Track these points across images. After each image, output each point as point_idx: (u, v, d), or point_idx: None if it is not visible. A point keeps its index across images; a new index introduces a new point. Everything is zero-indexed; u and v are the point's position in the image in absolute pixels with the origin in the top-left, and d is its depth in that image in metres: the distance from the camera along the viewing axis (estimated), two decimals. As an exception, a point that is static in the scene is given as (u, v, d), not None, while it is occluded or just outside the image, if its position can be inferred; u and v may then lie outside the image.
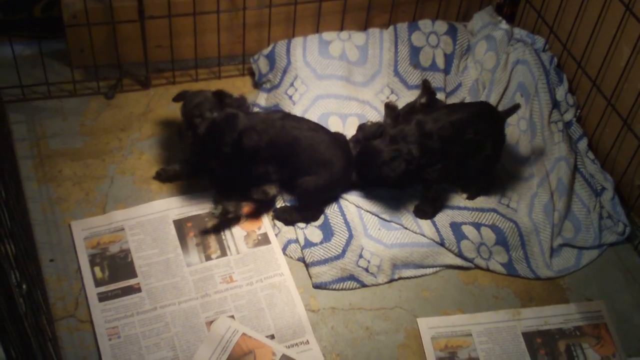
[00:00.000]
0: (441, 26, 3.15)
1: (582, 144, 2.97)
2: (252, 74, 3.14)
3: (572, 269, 2.69)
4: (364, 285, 2.55)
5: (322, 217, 2.65)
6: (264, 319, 2.40)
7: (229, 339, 2.31)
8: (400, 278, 2.58)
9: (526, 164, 2.89)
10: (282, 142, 2.59)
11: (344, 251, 2.56)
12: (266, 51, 3.07)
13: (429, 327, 2.46)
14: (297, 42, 3.06)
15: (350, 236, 2.59)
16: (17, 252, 1.95)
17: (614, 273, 2.70)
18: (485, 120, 2.67)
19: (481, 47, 3.12)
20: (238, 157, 2.54)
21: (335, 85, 2.98)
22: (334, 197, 2.70)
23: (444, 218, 2.71)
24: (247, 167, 2.58)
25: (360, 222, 2.64)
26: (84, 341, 2.31)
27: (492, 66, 3.07)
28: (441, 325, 2.47)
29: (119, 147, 2.82)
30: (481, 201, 2.79)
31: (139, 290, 2.43)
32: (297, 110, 2.88)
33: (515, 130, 2.95)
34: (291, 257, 2.59)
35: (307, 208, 2.65)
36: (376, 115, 2.95)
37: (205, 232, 2.59)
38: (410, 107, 2.88)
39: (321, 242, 2.58)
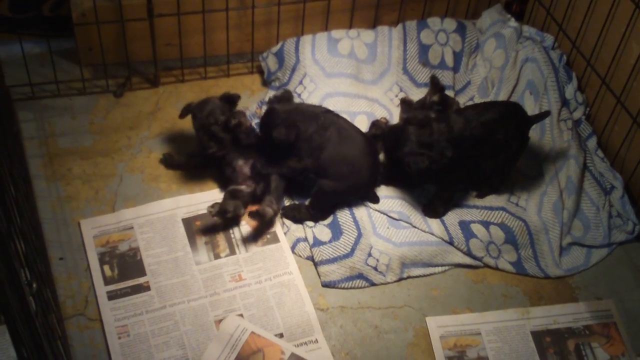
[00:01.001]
0: (450, 24, 3.14)
1: (592, 142, 2.96)
2: (261, 72, 3.14)
3: (582, 268, 2.69)
4: (372, 284, 2.55)
5: (331, 216, 2.65)
6: (273, 318, 2.40)
7: (238, 337, 2.32)
8: (409, 277, 2.58)
9: (535, 162, 2.88)
10: (317, 141, 2.59)
11: (352, 250, 2.56)
12: (275, 49, 3.07)
13: (438, 326, 2.46)
14: (306, 40, 3.05)
15: (359, 235, 2.59)
16: (27, 250, 1.95)
17: (623, 272, 2.69)
18: (515, 120, 2.65)
19: (490, 44, 3.12)
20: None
21: (343, 83, 2.98)
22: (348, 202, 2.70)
23: (452, 216, 2.70)
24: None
25: (369, 220, 2.64)
26: (93, 340, 2.31)
27: (501, 64, 3.06)
28: (450, 324, 2.47)
29: (128, 146, 2.82)
30: (490, 200, 2.78)
31: (148, 288, 2.43)
32: (305, 109, 2.88)
33: (525, 128, 2.95)
34: (300, 256, 2.59)
35: (319, 208, 2.64)
36: (385, 113, 2.95)
37: (214, 231, 2.59)
38: (422, 104, 2.87)
39: (330, 241, 2.58)
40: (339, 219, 2.63)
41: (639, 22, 2.73)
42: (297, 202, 2.69)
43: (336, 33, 3.08)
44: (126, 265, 2.48)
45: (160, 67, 3.03)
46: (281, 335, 2.37)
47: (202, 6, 2.88)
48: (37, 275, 1.98)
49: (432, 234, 2.63)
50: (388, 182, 2.74)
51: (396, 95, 3.02)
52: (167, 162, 2.75)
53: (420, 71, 3.06)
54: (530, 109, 2.92)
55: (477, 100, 3.06)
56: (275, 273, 2.51)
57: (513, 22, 3.17)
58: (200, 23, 2.94)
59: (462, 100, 3.08)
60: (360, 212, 2.65)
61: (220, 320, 2.37)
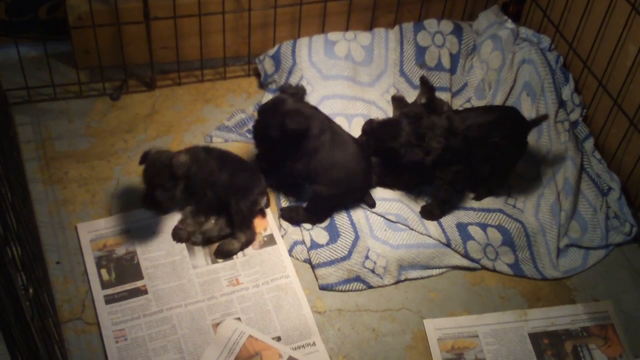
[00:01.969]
0: (447, 26, 3.14)
1: (589, 144, 2.96)
2: (257, 74, 3.14)
3: (579, 270, 2.69)
4: (370, 287, 2.54)
5: (328, 218, 2.65)
6: (271, 321, 2.40)
7: (235, 341, 2.31)
8: (406, 279, 2.58)
9: (532, 164, 2.88)
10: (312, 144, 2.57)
11: (350, 252, 2.56)
12: (272, 52, 3.07)
13: (436, 328, 2.45)
14: (303, 42, 3.05)
15: (357, 237, 2.59)
16: (24, 255, 1.95)
17: (621, 273, 2.69)
18: (512, 125, 2.65)
19: (487, 46, 3.12)
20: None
21: (340, 86, 2.98)
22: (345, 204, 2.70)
23: (450, 219, 2.70)
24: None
25: (367, 223, 2.63)
26: (90, 344, 2.31)
27: (498, 66, 3.06)
28: (448, 326, 2.46)
29: (125, 149, 2.82)
30: (487, 202, 2.78)
31: (145, 292, 2.43)
32: (302, 111, 2.88)
33: (522, 130, 2.95)
34: (297, 259, 2.59)
35: (315, 212, 2.64)
36: (382, 115, 2.95)
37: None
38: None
39: (327, 244, 2.58)
40: (336, 222, 2.63)
41: (636, 24, 2.73)
42: (294, 204, 2.69)
43: (333, 35, 3.08)
44: (123, 269, 2.48)
45: (157, 70, 3.03)
46: (279, 339, 2.37)
47: (199, 9, 2.87)
48: (34, 280, 1.97)
49: (430, 236, 2.63)
50: (383, 184, 2.74)
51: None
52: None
53: (417, 73, 3.06)
54: (527, 110, 2.92)
55: (474, 101, 3.07)
56: (273, 277, 2.51)
57: (510, 24, 3.17)
58: (196, 26, 2.94)
59: (459, 102, 3.08)
60: (358, 214, 2.65)
61: (218, 324, 2.36)
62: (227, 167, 2.55)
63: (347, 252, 2.56)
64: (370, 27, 3.19)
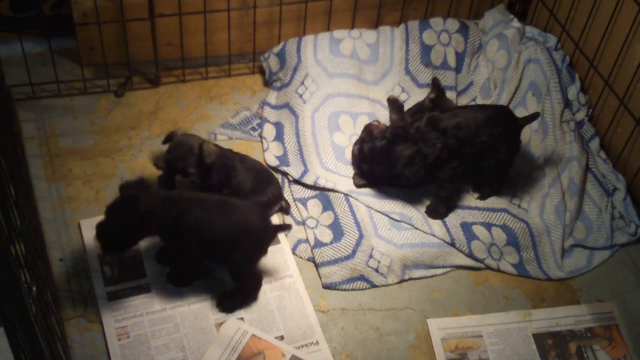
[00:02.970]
0: (452, 24, 3.13)
1: (594, 144, 2.95)
2: (262, 72, 3.13)
3: (584, 270, 2.68)
4: (374, 286, 2.54)
5: (332, 217, 2.64)
6: (274, 320, 2.40)
7: (238, 339, 2.31)
8: (410, 278, 2.58)
9: (537, 164, 2.87)
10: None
11: (354, 251, 2.55)
12: (277, 49, 3.06)
13: (440, 328, 2.45)
14: (308, 40, 3.04)
15: (361, 236, 2.58)
16: (27, 252, 1.95)
17: (625, 274, 2.68)
18: (502, 124, 2.64)
19: (493, 45, 3.10)
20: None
21: (346, 84, 2.97)
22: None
23: (454, 218, 2.70)
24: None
25: (371, 222, 2.63)
26: (93, 341, 2.31)
27: (503, 65, 3.05)
28: (451, 326, 2.46)
29: (129, 146, 2.81)
30: (492, 201, 2.77)
31: (148, 290, 2.43)
32: (307, 109, 2.87)
33: (527, 129, 2.92)
34: (301, 257, 2.58)
35: (245, 283, 2.40)
36: (386, 114, 2.94)
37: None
38: (420, 106, 2.87)
39: (331, 242, 2.57)
40: (340, 220, 2.62)
41: (643, 23, 2.73)
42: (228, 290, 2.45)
43: (338, 33, 3.07)
44: (126, 266, 2.47)
45: (161, 67, 3.02)
46: (282, 338, 2.36)
47: (204, 6, 2.87)
48: (37, 277, 1.97)
49: (434, 235, 2.63)
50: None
51: (398, 96, 3.00)
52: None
53: (423, 72, 3.05)
54: (533, 110, 2.91)
55: (480, 100, 3.06)
56: (276, 276, 2.50)
57: (516, 23, 3.16)
58: (201, 23, 2.93)
59: (465, 101, 3.07)
60: (362, 213, 2.64)
61: (221, 324, 2.36)
62: (248, 172, 2.52)
63: (351, 251, 2.55)
64: (375, 25, 3.18)
